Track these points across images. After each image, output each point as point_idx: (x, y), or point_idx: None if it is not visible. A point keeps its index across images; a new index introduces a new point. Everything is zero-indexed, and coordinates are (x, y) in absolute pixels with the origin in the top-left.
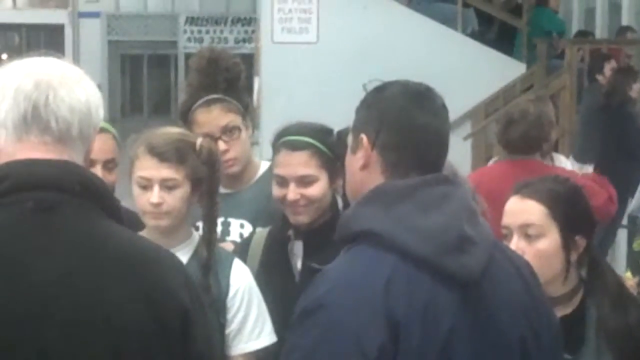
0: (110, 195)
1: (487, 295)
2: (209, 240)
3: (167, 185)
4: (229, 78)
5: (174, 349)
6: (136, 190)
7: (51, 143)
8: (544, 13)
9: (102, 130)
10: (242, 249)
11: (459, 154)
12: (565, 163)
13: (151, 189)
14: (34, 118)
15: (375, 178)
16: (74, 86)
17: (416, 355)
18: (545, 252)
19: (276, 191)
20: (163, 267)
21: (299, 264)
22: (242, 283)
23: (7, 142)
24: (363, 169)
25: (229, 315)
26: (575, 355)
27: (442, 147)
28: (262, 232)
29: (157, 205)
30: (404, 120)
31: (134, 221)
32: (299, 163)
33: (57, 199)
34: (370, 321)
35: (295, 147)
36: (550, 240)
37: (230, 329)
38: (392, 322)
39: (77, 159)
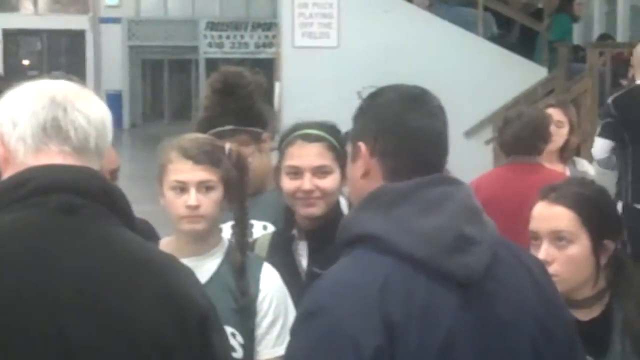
0: (127, 204)
1: (490, 295)
2: (242, 243)
3: (204, 187)
4: (243, 107)
5: (193, 353)
6: (170, 195)
7: (70, 153)
8: (561, 19)
9: None
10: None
11: (481, 159)
12: (587, 167)
13: (187, 192)
14: (53, 128)
15: (376, 184)
16: (89, 100)
17: (414, 357)
18: (576, 258)
19: (288, 184)
20: (180, 273)
21: (304, 264)
22: (271, 287)
23: (25, 156)
24: (364, 177)
25: (257, 319)
26: (601, 359)
27: (441, 148)
28: (266, 234)
29: (195, 207)
30: (400, 124)
31: (146, 230)
32: (315, 154)
33: (77, 202)
34: (367, 324)
35: (311, 139)
36: (580, 246)
37: (258, 332)
38: (389, 325)
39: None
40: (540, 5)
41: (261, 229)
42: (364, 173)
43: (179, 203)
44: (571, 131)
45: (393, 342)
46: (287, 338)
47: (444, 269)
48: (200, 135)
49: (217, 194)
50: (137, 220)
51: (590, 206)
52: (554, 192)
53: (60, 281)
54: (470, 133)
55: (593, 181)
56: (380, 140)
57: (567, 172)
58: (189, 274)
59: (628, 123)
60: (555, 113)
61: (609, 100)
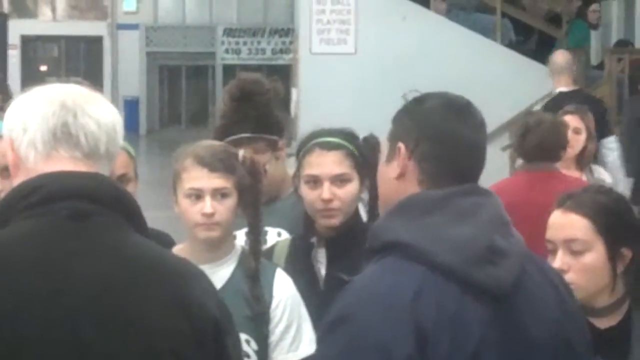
0: (139, 210)
1: (519, 308)
2: (256, 250)
3: (219, 195)
4: (260, 114)
5: (207, 356)
6: (185, 202)
7: (80, 159)
8: (578, 25)
9: None
10: (266, 258)
11: (497, 165)
12: (604, 175)
13: (202, 200)
14: (63, 134)
15: (410, 187)
16: (99, 105)
17: None
18: (591, 266)
19: (308, 193)
20: (194, 279)
21: (322, 271)
22: (284, 294)
23: (36, 161)
24: (399, 178)
25: (271, 326)
26: None
27: (480, 161)
28: (285, 240)
29: (210, 215)
30: (445, 132)
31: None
32: (334, 162)
33: (89, 208)
34: (398, 332)
35: (329, 147)
36: (596, 254)
37: (271, 339)
38: (420, 333)
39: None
40: (558, 12)
41: (275, 236)
42: (400, 174)
43: (194, 210)
44: (588, 138)
45: (423, 351)
46: (300, 344)
47: (475, 280)
48: (215, 143)
49: (231, 201)
50: (158, 232)
51: (606, 214)
52: (570, 200)
53: (73, 288)
54: (487, 139)
55: (611, 189)
56: (422, 144)
57: (584, 179)
58: (203, 279)
59: None
60: (573, 120)
61: None
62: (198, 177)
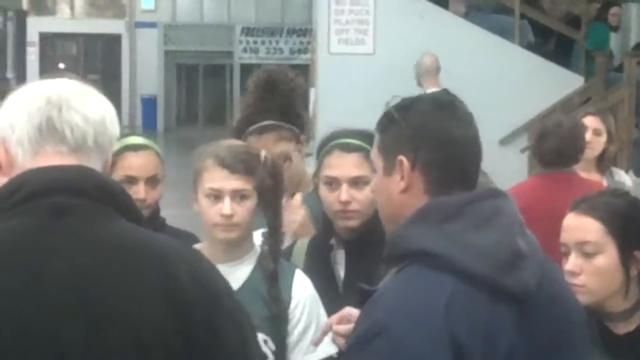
0: (127, 198)
1: (542, 310)
2: (274, 251)
3: (238, 196)
4: (284, 103)
5: (198, 345)
6: (205, 202)
7: (67, 153)
8: (598, 28)
9: (144, 147)
10: (284, 258)
11: (516, 167)
12: (625, 178)
13: (222, 201)
14: (48, 129)
15: (417, 198)
16: (87, 98)
17: None
18: (603, 268)
19: (326, 194)
20: (182, 263)
21: (341, 273)
22: (303, 294)
23: (24, 159)
24: (404, 192)
25: (290, 326)
26: None
27: (478, 156)
28: (304, 241)
29: (229, 216)
30: (443, 134)
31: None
32: (353, 164)
33: (72, 202)
34: (433, 345)
35: (349, 149)
36: (608, 257)
37: (290, 340)
38: (456, 345)
39: (95, 168)
40: (577, 13)
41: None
42: (405, 188)
43: (214, 211)
44: (609, 140)
45: None
46: (319, 345)
47: (503, 285)
48: (236, 143)
49: (251, 203)
50: (182, 232)
51: (620, 217)
52: (584, 203)
53: (52, 285)
54: (505, 141)
55: (627, 192)
56: (423, 151)
57: (604, 182)
58: (196, 261)
59: None
60: (593, 121)
61: None
62: (218, 178)
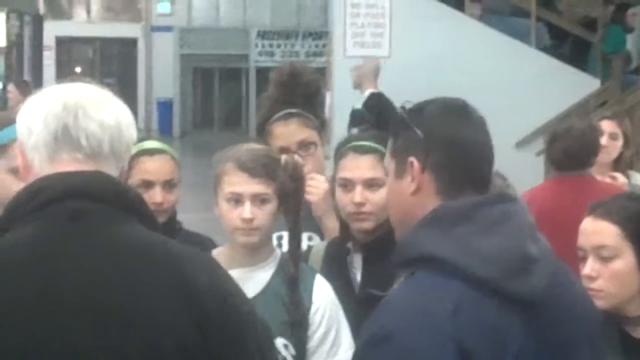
0: (144, 204)
1: (550, 315)
2: (295, 255)
3: (259, 200)
4: (308, 93)
5: (214, 351)
6: (225, 206)
7: (83, 159)
8: (614, 30)
9: (160, 151)
10: (302, 262)
11: (532, 170)
12: None
13: (242, 204)
14: (64, 136)
15: (429, 200)
16: (104, 104)
17: None
18: (620, 273)
19: (340, 196)
20: (197, 269)
21: (358, 277)
22: (323, 299)
23: (40, 164)
24: (415, 194)
25: (310, 332)
26: None
27: (490, 159)
28: (320, 244)
29: (249, 220)
30: (454, 136)
31: (197, 243)
32: (367, 166)
33: (89, 207)
34: (439, 351)
35: (363, 151)
36: (625, 261)
37: (310, 345)
38: (464, 350)
39: (111, 173)
40: (593, 16)
41: (306, 240)
42: (416, 189)
43: (234, 215)
44: (625, 144)
45: None
46: (339, 349)
47: (512, 291)
48: (257, 147)
49: (271, 207)
50: (199, 235)
51: (636, 221)
52: (600, 207)
53: (68, 289)
54: (521, 144)
55: None
56: (433, 154)
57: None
58: (211, 267)
59: None
60: (609, 125)
61: None
62: (238, 182)
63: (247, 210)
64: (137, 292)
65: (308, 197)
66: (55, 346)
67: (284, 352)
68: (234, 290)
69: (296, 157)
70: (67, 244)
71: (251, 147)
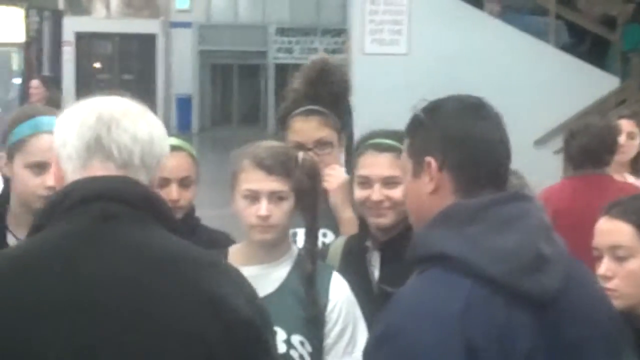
0: (168, 210)
1: (564, 313)
2: (312, 253)
3: (276, 198)
4: (334, 92)
5: (237, 357)
6: (242, 203)
7: (114, 169)
8: (634, 29)
9: (177, 148)
10: (320, 259)
11: (550, 168)
12: None
13: (259, 202)
14: (97, 146)
15: (446, 199)
16: (137, 118)
17: None
18: (635, 272)
19: (359, 193)
20: (224, 275)
21: (376, 274)
22: (340, 296)
23: (73, 173)
24: (433, 193)
25: (326, 329)
26: None
27: (507, 157)
28: (339, 241)
29: (266, 218)
30: (470, 135)
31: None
32: (385, 164)
33: (119, 209)
34: (448, 348)
35: (382, 149)
36: None
37: (326, 342)
38: (471, 350)
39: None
40: (613, 14)
41: (320, 236)
42: (434, 189)
43: (251, 212)
44: None
45: None
46: (355, 347)
47: (522, 289)
48: (274, 144)
49: (288, 204)
50: (217, 232)
51: None
52: (617, 207)
53: (93, 287)
54: (540, 142)
55: None
56: (451, 153)
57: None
58: (235, 274)
59: None
60: (627, 124)
61: None
62: (255, 179)
63: (263, 207)
64: (165, 297)
65: (326, 184)
66: (81, 342)
67: (300, 349)
68: (254, 299)
69: (311, 154)
70: (95, 243)
71: (269, 145)
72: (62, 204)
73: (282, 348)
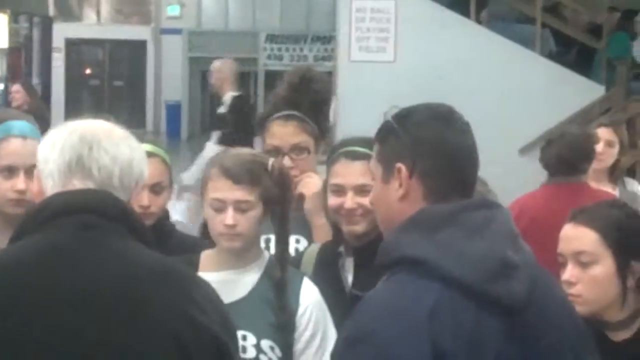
0: (143, 225)
1: (531, 320)
2: (282, 259)
3: (241, 208)
4: (316, 100)
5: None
6: (209, 212)
7: (92, 187)
8: (619, 37)
9: (150, 154)
10: (294, 265)
11: (535, 176)
12: (637, 188)
13: (225, 211)
14: (77, 165)
15: (416, 205)
16: (119, 141)
17: None
18: (599, 278)
19: (332, 200)
20: (196, 286)
21: (350, 280)
22: (310, 302)
23: (53, 189)
24: (402, 199)
25: (296, 334)
26: None
27: (475, 165)
28: (313, 247)
29: (232, 227)
30: (440, 143)
31: (189, 245)
32: (358, 172)
33: (97, 221)
34: (415, 351)
35: (354, 157)
36: (604, 267)
37: (296, 347)
38: (439, 353)
39: None
40: (599, 22)
41: (294, 242)
42: (404, 195)
43: (217, 220)
44: (622, 151)
45: None
46: (325, 352)
47: (492, 295)
48: (243, 152)
49: (255, 213)
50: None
51: (616, 228)
52: (582, 213)
53: (72, 292)
54: (524, 150)
55: (625, 203)
56: (421, 160)
57: (617, 193)
58: (207, 288)
59: None
60: (606, 132)
61: None
62: (221, 188)
63: (229, 217)
64: (143, 299)
65: (302, 190)
66: (69, 341)
67: (270, 353)
68: (223, 314)
69: (286, 160)
70: (75, 251)
71: (237, 152)
72: (42, 214)
73: (251, 353)
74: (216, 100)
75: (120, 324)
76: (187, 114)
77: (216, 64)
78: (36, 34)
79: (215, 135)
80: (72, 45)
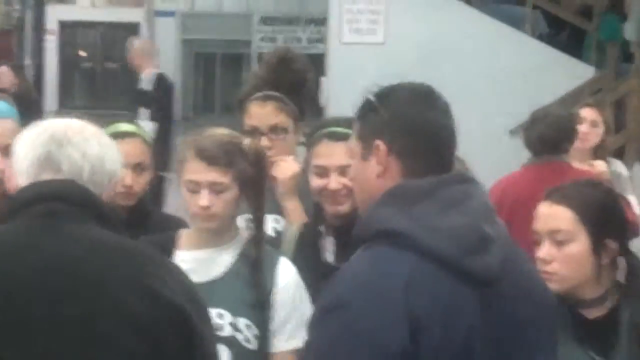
0: (109, 209)
1: (505, 292)
2: (257, 239)
3: (216, 189)
4: (295, 81)
5: (173, 343)
6: (185, 193)
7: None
8: (610, 18)
9: (130, 134)
10: (274, 246)
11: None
12: (621, 168)
13: (200, 192)
14: (47, 160)
15: (394, 182)
16: (90, 138)
17: (436, 355)
18: (574, 256)
19: (315, 182)
20: (160, 265)
21: (331, 259)
22: (287, 281)
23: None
24: (381, 176)
25: (273, 312)
26: (606, 358)
27: (453, 146)
28: (293, 228)
29: (206, 208)
30: (419, 122)
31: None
32: (341, 153)
33: (58, 207)
34: (390, 321)
35: (336, 137)
36: (579, 245)
37: (273, 326)
38: (413, 322)
39: None
40: (590, 4)
41: (272, 222)
42: (382, 172)
43: (192, 202)
44: (606, 131)
45: (416, 339)
46: (302, 331)
47: (467, 268)
48: (218, 133)
49: (230, 194)
50: (173, 218)
51: (592, 206)
52: (557, 192)
53: (38, 272)
54: (515, 131)
55: (601, 182)
56: (400, 138)
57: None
58: (171, 266)
59: None
60: (590, 113)
61: None
62: (196, 170)
63: (203, 198)
64: (106, 280)
65: (276, 174)
66: (39, 319)
67: (245, 331)
68: (191, 286)
69: (263, 140)
70: (40, 235)
71: (212, 133)
72: (13, 205)
73: (227, 330)
74: (134, 74)
75: (73, 302)
76: (180, 96)
77: (136, 42)
78: (29, 16)
79: (144, 113)
80: (66, 28)
